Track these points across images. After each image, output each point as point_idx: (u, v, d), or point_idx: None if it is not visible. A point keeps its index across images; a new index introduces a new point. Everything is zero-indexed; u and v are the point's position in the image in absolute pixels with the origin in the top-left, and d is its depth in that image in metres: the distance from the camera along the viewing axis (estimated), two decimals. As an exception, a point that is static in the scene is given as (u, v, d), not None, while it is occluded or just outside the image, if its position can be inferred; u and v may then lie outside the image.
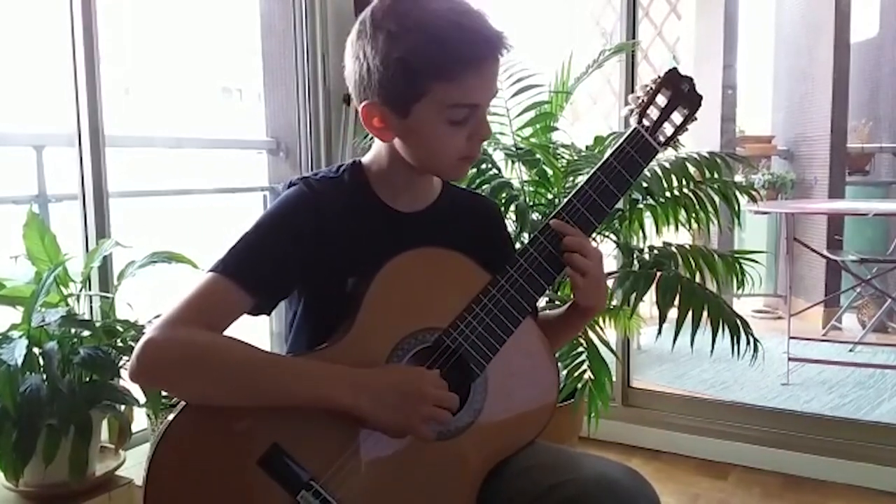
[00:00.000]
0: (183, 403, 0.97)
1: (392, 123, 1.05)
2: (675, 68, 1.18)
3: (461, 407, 1.04)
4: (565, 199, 1.12)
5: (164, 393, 1.75)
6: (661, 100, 1.15)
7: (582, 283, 1.10)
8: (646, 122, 1.15)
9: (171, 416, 0.96)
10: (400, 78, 1.01)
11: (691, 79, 1.17)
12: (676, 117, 1.16)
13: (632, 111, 1.16)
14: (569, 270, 1.09)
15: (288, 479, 0.96)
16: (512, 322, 1.06)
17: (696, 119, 1.17)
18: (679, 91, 1.16)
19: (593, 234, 1.13)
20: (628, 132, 1.14)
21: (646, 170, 2.05)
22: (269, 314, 1.07)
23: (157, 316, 1.00)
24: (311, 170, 2.45)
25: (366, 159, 1.14)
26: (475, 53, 1.01)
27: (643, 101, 1.15)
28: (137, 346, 0.96)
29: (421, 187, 1.15)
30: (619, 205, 2.15)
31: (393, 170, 1.11)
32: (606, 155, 1.13)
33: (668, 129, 1.16)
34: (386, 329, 1.03)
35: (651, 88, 1.16)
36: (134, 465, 1.85)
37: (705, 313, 1.95)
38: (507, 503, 1.05)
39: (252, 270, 1.02)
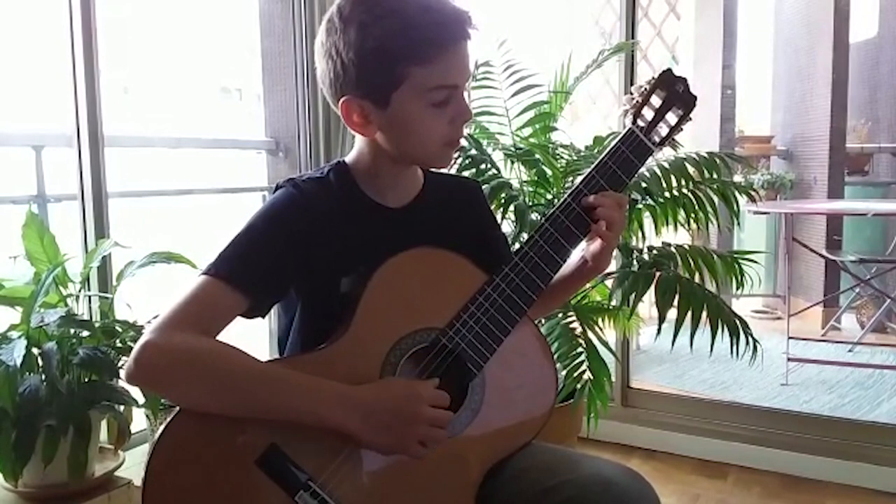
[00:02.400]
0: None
1: (373, 117, 1.05)
2: (669, 69, 1.18)
3: (459, 405, 1.04)
4: (562, 201, 1.12)
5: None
6: (656, 100, 1.16)
7: (610, 238, 1.12)
8: (640, 123, 1.15)
9: (170, 417, 0.96)
10: (377, 67, 1.01)
11: (685, 80, 1.17)
12: (671, 118, 1.17)
13: (626, 111, 1.17)
14: (597, 227, 1.10)
15: (286, 480, 0.96)
16: (509, 322, 1.06)
17: (690, 119, 1.18)
18: (673, 92, 1.16)
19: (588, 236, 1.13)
20: (623, 132, 1.15)
21: (645, 170, 2.08)
22: (263, 316, 1.07)
23: (156, 317, 1.00)
24: (311, 170, 2.45)
25: (349, 158, 1.15)
26: (448, 34, 1.02)
27: (638, 101, 1.16)
28: (135, 349, 0.96)
29: (406, 180, 1.15)
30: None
31: (377, 166, 1.11)
32: (602, 155, 1.13)
33: (663, 129, 1.17)
34: (383, 330, 1.03)
35: (645, 89, 1.16)
36: (133, 465, 1.85)
37: (704, 313, 1.95)
38: None
39: (246, 272, 1.02)
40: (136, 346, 0.96)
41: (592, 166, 1.13)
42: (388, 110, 1.04)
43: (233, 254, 1.03)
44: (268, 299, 1.06)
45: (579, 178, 1.13)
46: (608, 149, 1.14)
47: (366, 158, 1.12)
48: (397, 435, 0.96)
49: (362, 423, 0.95)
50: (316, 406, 0.95)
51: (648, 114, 1.15)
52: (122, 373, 0.99)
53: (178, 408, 0.97)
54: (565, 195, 1.12)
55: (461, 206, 1.22)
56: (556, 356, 1.98)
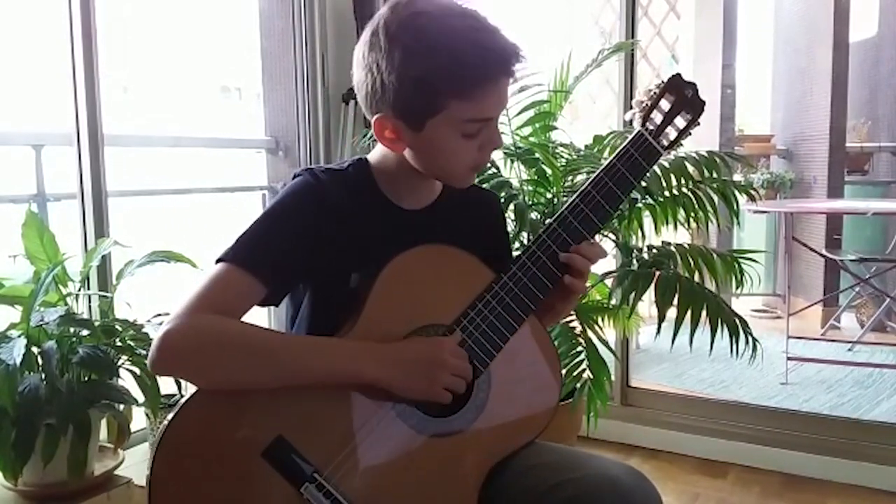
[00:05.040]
0: (186, 397, 0.97)
1: (404, 136, 1.06)
2: (678, 74, 1.19)
3: (465, 402, 1.05)
4: (570, 202, 1.12)
5: (163, 392, 1.75)
6: (665, 104, 1.17)
7: (580, 288, 1.12)
8: (649, 126, 1.16)
9: (175, 410, 0.96)
10: (417, 95, 1.01)
11: (695, 84, 1.19)
12: (679, 122, 1.18)
13: (635, 115, 1.18)
14: (568, 278, 1.10)
15: (292, 472, 0.97)
16: (515, 320, 1.07)
17: (699, 124, 1.19)
18: (682, 96, 1.17)
19: (596, 235, 1.14)
20: (632, 135, 1.16)
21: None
22: (277, 305, 1.09)
23: (158, 315, 1.00)
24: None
25: (372, 157, 1.15)
26: (493, 72, 1.01)
27: (647, 105, 1.17)
28: (156, 338, 0.97)
29: (425, 187, 1.16)
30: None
31: (398, 171, 1.12)
32: (611, 158, 1.14)
33: (671, 133, 1.18)
34: (390, 325, 1.04)
35: (655, 93, 1.17)
36: (133, 464, 1.85)
37: (704, 313, 1.95)
38: (511, 502, 1.05)
39: (264, 260, 1.03)
40: (158, 336, 0.97)
41: (601, 168, 1.14)
42: (422, 133, 1.04)
43: (251, 241, 1.04)
44: (284, 288, 1.07)
45: (586, 180, 1.14)
46: (617, 151, 1.15)
47: (389, 162, 1.12)
48: (426, 381, 1.00)
49: (394, 374, 0.99)
50: (351, 363, 0.99)
51: (657, 118, 1.17)
52: (147, 364, 1.00)
53: (185, 400, 0.97)
54: (574, 196, 1.13)
55: (476, 216, 1.23)
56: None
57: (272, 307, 1.09)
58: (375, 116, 1.06)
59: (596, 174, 1.13)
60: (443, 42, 0.99)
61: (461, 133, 1.04)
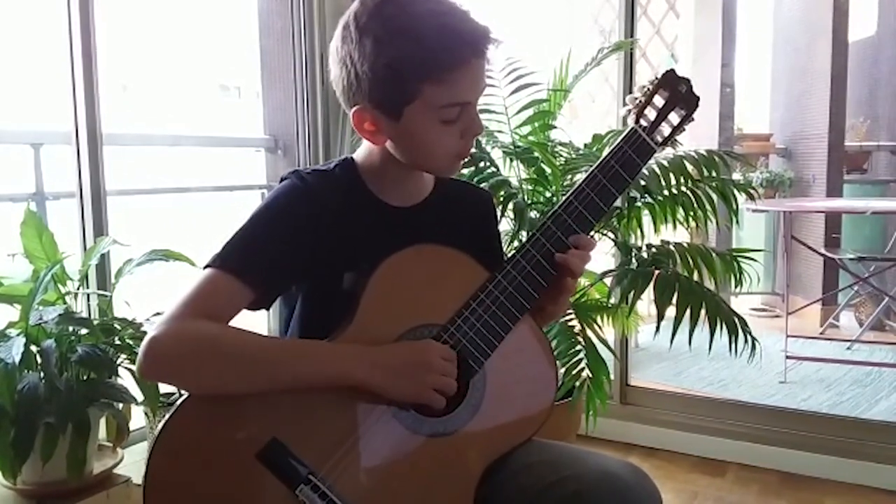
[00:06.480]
0: (182, 399, 0.97)
1: (384, 126, 1.06)
2: (672, 70, 1.18)
3: (460, 402, 1.04)
4: (564, 199, 1.12)
5: (162, 391, 1.75)
6: (659, 100, 1.16)
7: (572, 288, 1.12)
8: (643, 123, 1.15)
9: (171, 412, 0.96)
10: (389, 83, 1.01)
11: (689, 80, 1.18)
12: (674, 118, 1.17)
13: (629, 111, 1.17)
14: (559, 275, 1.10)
15: (287, 474, 0.96)
16: (510, 319, 1.07)
17: (693, 120, 1.18)
18: (676, 92, 1.17)
19: (591, 233, 1.14)
20: (626, 132, 1.15)
21: (644, 168, 2.08)
22: (267, 309, 1.08)
23: (157, 314, 1.00)
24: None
25: (357, 156, 1.15)
26: (462, 55, 1.01)
27: (641, 101, 1.16)
28: (143, 344, 0.96)
29: (413, 183, 1.15)
30: (618, 203, 2.16)
31: (385, 167, 1.11)
32: (604, 155, 1.14)
33: (665, 129, 1.17)
34: (384, 326, 1.03)
35: (648, 89, 1.17)
36: (132, 463, 1.85)
37: (703, 311, 1.96)
38: (508, 500, 1.05)
39: (251, 264, 1.02)
40: (145, 342, 0.96)
41: (595, 165, 1.13)
42: (400, 122, 1.04)
43: (238, 246, 1.04)
44: (273, 292, 1.07)
45: (582, 177, 1.14)
46: (611, 148, 1.14)
47: (374, 158, 1.12)
48: (415, 383, 1.00)
49: (382, 377, 0.99)
50: (339, 367, 0.99)
51: (651, 113, 1.16)
52: (135, 370, 1.00)
53: (179, 402, 0.97)
54: (568, 194, 1.12)
55: (468, 214, 1.22)
56: (555, 354, 1.98)
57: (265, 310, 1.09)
58: (353, 109, 1.06)
59: (590, 171, 1.13)
60: (409, 28, 0.99)
61: (439, 119, 1.04)
